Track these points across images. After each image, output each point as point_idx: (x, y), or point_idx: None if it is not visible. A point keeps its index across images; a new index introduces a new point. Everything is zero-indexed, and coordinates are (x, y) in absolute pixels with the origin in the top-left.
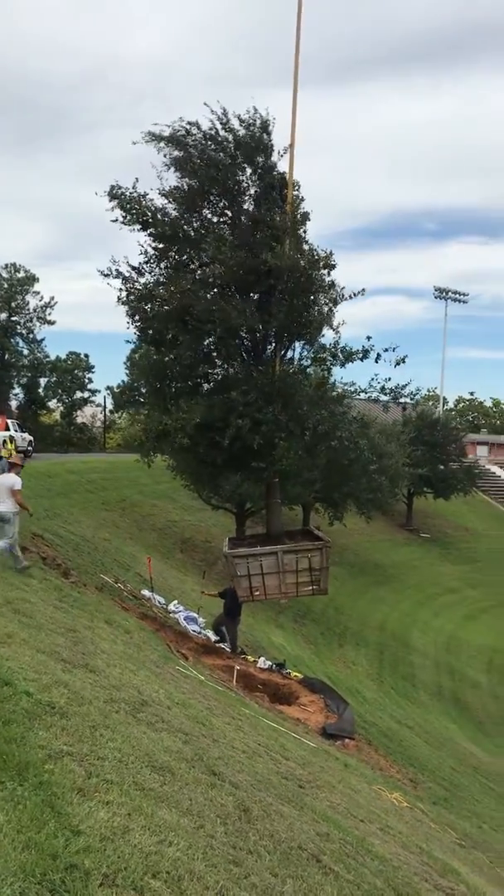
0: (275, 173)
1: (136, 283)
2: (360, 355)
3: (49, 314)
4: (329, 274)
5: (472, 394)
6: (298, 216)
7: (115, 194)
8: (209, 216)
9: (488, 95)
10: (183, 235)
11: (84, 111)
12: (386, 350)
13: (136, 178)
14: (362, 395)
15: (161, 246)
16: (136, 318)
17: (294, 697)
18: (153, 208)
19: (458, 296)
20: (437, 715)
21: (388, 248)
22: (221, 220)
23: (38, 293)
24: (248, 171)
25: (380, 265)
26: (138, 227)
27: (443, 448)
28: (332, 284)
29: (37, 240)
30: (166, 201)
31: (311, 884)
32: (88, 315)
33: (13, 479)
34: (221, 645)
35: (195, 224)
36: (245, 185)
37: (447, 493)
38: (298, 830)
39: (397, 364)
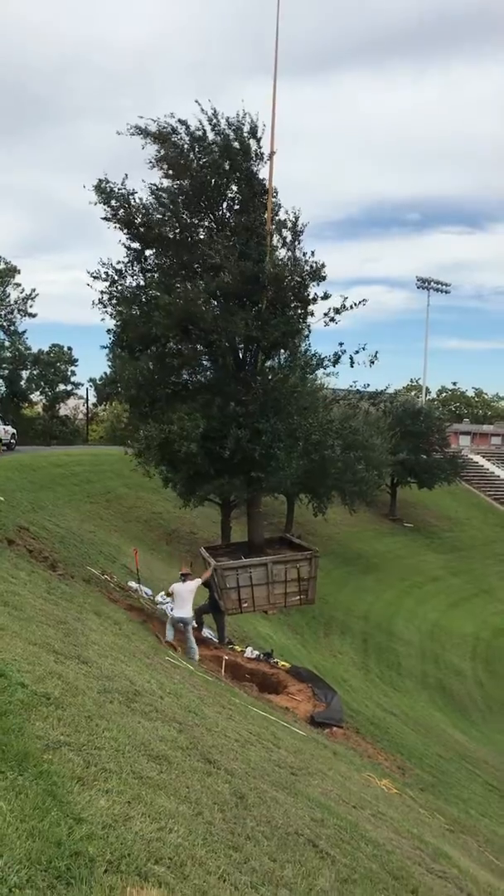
0: (257, 179)
1: (118, 285)
2: (332, 361)
3: (31, 306)
4: (318, 284)
5: (454, 384)
6: (276, 223)
7: (101, 188)
8: (194, 220)
9: (469, 85)
10: (163, 238)
11: (67, 98)
12: (357, 352)
13: (126, 175)
14: (342, 402)
15: (137, 246)
16: (119, 322)
17: (282, 687)
18: (139, 206)
19: (440, 286)
20: (423, 703)
21: (369, 239)
22: (204, 223)
23: (19, 285)
24: (234, 176)
25: (361, 255)
26: (121, 226)
27: (426, 438)
28: (328, 296)
29: (17, 230)
30: (154, 199)
31: (310, 868)
32: (69, 306)
33: (193, 585)
34: (208, 634)
35: (178, 228)
36: (228, 190)
37: (431, 483)
38: (294, 816)
39: (371, 363)
